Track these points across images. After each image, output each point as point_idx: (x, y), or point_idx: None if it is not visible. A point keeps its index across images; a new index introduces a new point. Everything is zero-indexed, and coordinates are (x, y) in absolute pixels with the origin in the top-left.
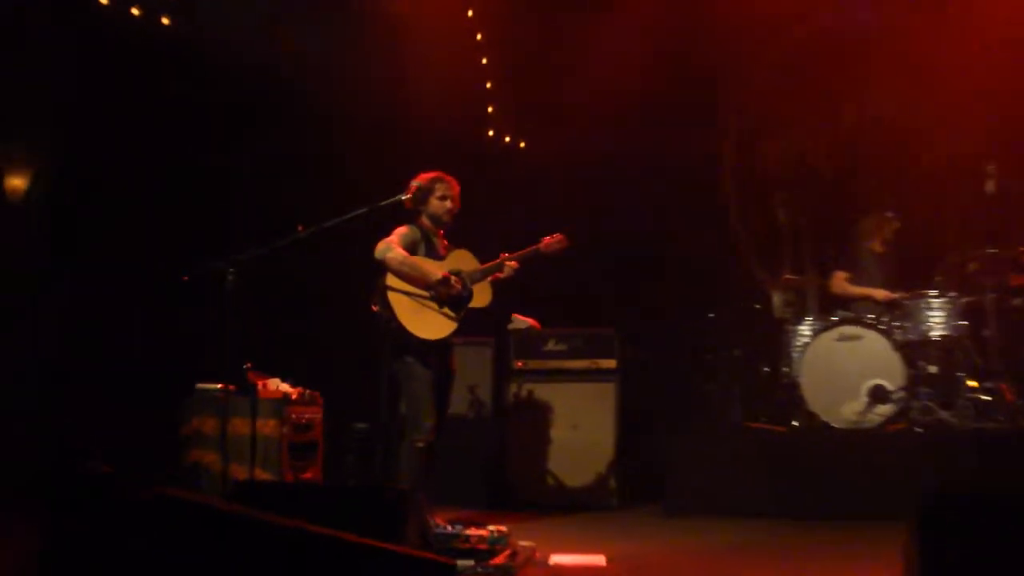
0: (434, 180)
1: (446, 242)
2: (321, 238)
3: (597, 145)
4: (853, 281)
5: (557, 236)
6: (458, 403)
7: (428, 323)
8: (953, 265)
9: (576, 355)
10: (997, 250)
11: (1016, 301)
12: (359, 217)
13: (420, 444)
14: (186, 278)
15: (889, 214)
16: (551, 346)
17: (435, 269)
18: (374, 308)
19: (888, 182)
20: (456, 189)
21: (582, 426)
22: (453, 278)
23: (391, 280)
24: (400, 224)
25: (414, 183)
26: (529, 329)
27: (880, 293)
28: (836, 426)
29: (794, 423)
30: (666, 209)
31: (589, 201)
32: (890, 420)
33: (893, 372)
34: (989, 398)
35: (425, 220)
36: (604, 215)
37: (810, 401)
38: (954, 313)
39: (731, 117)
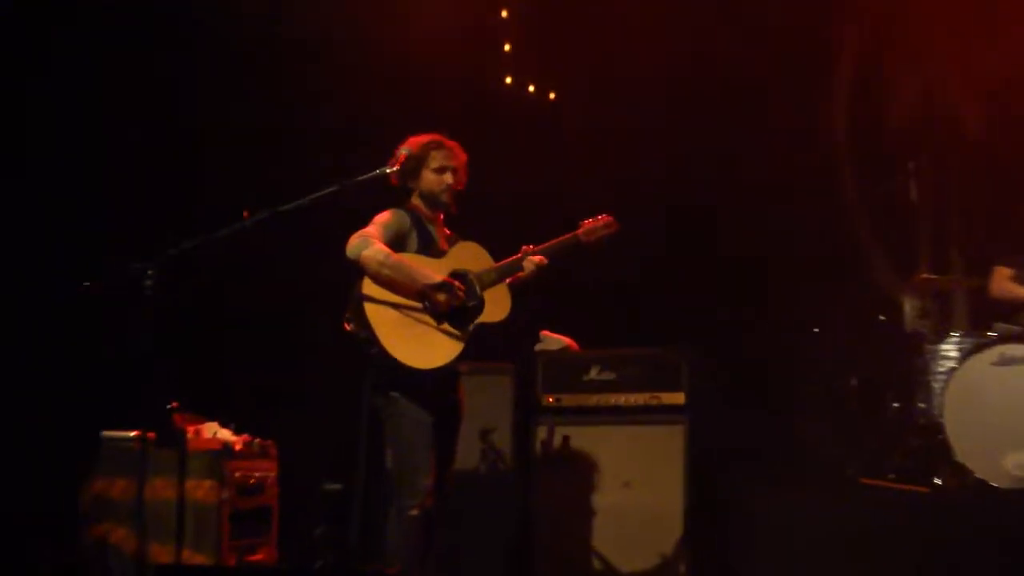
0: (429, 146)
1: (447, 231)
2: (275, 228)
3: (655, 98)
4: (1020, 280)
5: (602, 218)
6: (467, 454)
7: (422, 346)
8: None
9: (629, 387)
10: None
11: None
12: (326, 199)
13: (414, 512)
14: (88, 286)
15: None
16: (594, 374)
17: (431, 270)
18: (347, 326)
19: None
20: (461, 158)
21: (638, 485)
22: (456, 283)
23: (370, 287)
24: (384, 208)
25: (401, 150)
26: (563, 351)
27: None
28: (997, 485)
29: (936, 481)
30: (750, 185)
31: (645, 173)
32: None
33: None
34: None
35: (418, 201)
36: (665, 192)
37: (959, 449)
38: None
39: (846, 36)
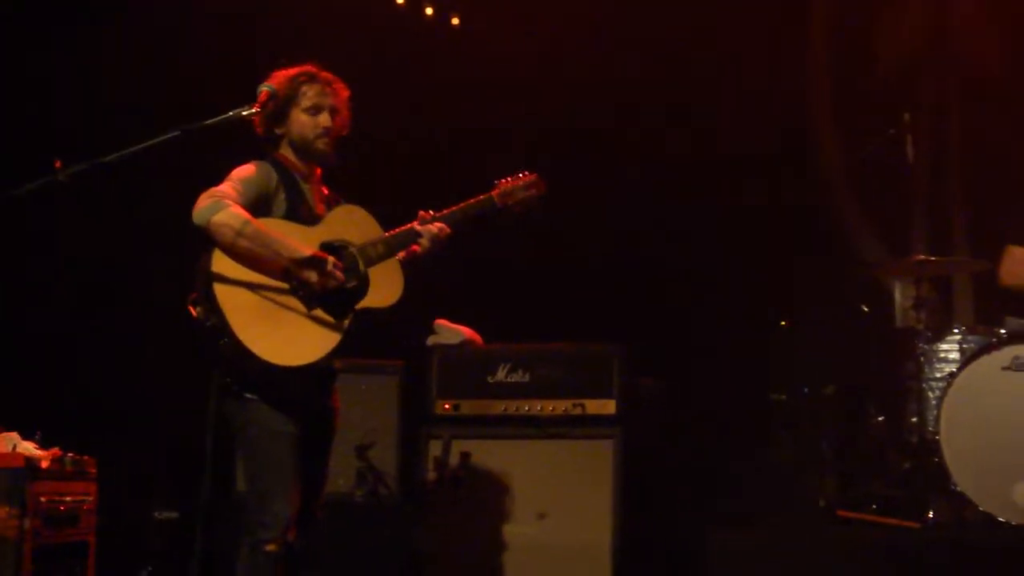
0: (298, 80)
1: (325, 191)
2: (97, 185)
3: (591, 27)
4: None
5: (523, 176)
6: (342, 474)
7: (288, 337)
8: None
9: (546, 392)
10: None
11: None
12: (165, 148)
13: (271, 547)
14: None
15: None
16: (502, 376)
17: (302, 241)
18: (192, 311)
19: None
20: (342, 96)
21: (556, 514)
22: (332, 258)
23: (222, 263)
24: (244, 161)
25: (264, 87)
26: (464, 346)
27: None
28: (1005, 520)
29: (929, 514)
30: (708, 142)
31: (575, 121)
32: None
33: None
34: None
35: (287, 152)
36: (601, 146)
37: (959, 475)
38: None
39: None
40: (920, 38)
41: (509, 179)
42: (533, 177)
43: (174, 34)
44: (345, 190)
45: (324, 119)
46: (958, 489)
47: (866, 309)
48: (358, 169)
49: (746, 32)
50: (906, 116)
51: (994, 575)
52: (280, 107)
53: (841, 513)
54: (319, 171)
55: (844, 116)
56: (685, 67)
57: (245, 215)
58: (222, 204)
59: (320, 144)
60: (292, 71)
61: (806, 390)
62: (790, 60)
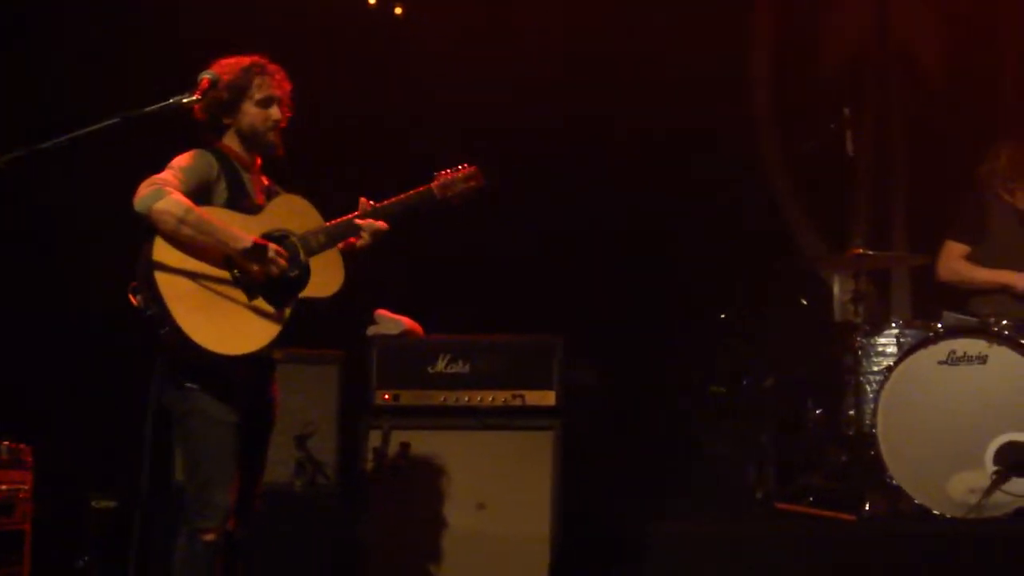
0: (251, 72)
1: (266, 180)
2: (35, 172)
3: (532, 24)
4: (977, 259)
5: (463, 168)
6: (281, 464)
7: (229, 326)
8: None
9: (487, 383)
10: None
11: None
12: (103, 135)
13: (209, 536)
14: None
15: None
16: (443, 366)
17: (243, 230)
18: (133, 299)
19: None
20: (286, 88)
21: (496, 505)
22: (275, 247)
23: (163, 251)
24: (185, 149)
25: (207, 74)
26: (404, 336)
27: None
28: (940, 512)
29: (866, 507)
30: (649, 134)
31: (521, 114)
32: None
33: None
34: None
35: (231, 142)
36: (543, 139)
37: (895, 468)
38: None
39: None
40: (862, 33)
41: (449, 171)
42: (473, 169)
43: (113, 21)
44: (284, 180)
45: (275, 112)
46: (894, 482)
47: (805, 302)
48: (298, 160)
49: (687, 24)
50: (846, 111)
51: (928, 567)
52: (231, 97)
53: (779, 505)
54: (260, 161)
55: (786, 110)
56: (624, 59)
57: (187, 203)
58: (164, 192)
59: (270, 136)
60: (243, 60)
61: (745, 383)
62: (733, 53)
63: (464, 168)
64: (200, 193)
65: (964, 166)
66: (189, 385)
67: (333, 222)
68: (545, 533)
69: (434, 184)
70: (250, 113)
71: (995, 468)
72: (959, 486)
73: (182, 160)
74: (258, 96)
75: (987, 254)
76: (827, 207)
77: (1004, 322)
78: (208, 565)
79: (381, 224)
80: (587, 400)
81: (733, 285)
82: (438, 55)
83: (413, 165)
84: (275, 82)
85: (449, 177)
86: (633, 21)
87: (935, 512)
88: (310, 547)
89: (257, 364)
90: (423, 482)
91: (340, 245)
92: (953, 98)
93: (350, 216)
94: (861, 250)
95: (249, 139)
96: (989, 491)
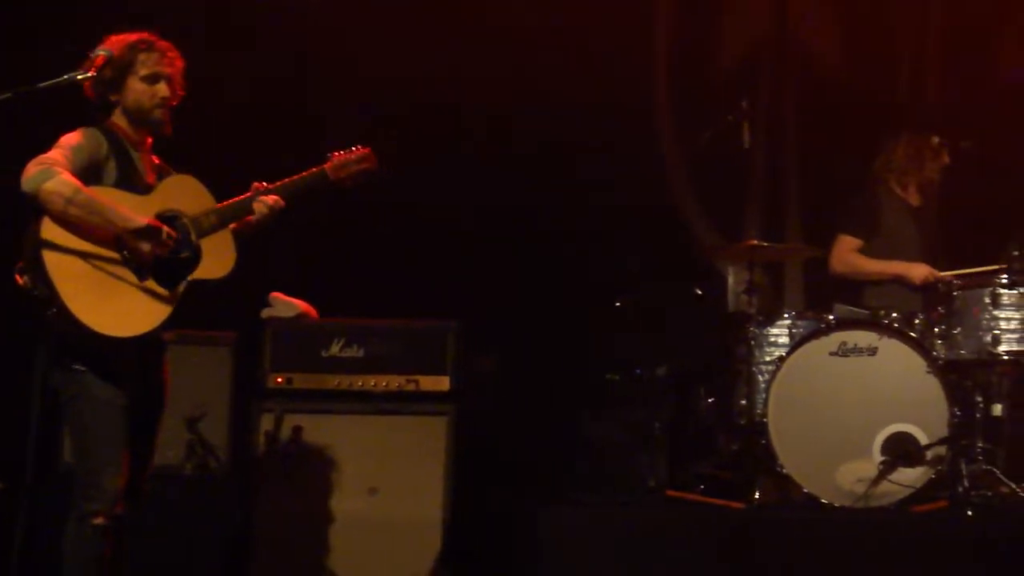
0: (137, 48)
1: (156, 160)
2: None
3: (432, 12)
4: (869, 252)
5: (356, 150)
6: (170, 447)
7: (119, 308)
8: None
9: (381, 367)
10: None
11: None
12: None
13: (98, 520)
14: None
15: (935, 139)
16: (337, 350)
17: (134, 211)
18: (20, 279)
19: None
20: (177, 65)
21: (388, 490)
22: (166, 228)
23: (51, 231)
24: (73, 128)
25: (99, 52)
26: (298, 319)
27: (918, 270)
28: (828, 501)
29: (756, 495)
30: (548, 121)
31: (415, 93)
32: (921, 494)
33: (928, 411)
34: None
35: (120, 120)
36: (443, 123)
37: (785, 457)
38: None
39: None
40: (761, 26)
41: (342, 152)
42: (366, 151)
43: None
44: (175, 159)
45: (162, 88)
46: (784, 471)
47: (699, 292)
48: (190, 139)
49: (588, 12)
50: (744, 103)
51: (816, 555)
52: (117, 74)
53: (670, 493)
54: (150, 140)
55: (684, 101)
56: (524, 45)
57: (76, 183)
58: (52, 172)
59: (157, 114)
60: (130, 37)
61: (639, 371)
62: (632, 43)
63: (357, 150)
64: (89, 172)
65: (858, 160)
66: (77, 367)
67: (225, 203)
68: (437, 518)
69: (327, 165)
70: (136, 89)
71: (883, 458)
72: (847, 475)
73: (70, 139)
74: (144, 72)
75: (880, 247)
76: (723, 198)
77: (894, 315)
78: (97, 549)
79: (278, 199)
80: (481, 386)
81: (628, 274)
82: (332, 34)
83: (307, 147)
84: (164, 59)
85: (342, 159)
86: (532, 5)
87: (824, 501)
88: (200, 530)
89: (147, 346)
90: (315, 466)
91: (233, 226)
92: (848, 93)
93: (242, 197)
94: (756, 242)
95: (135, 116)
96: (876, 481)
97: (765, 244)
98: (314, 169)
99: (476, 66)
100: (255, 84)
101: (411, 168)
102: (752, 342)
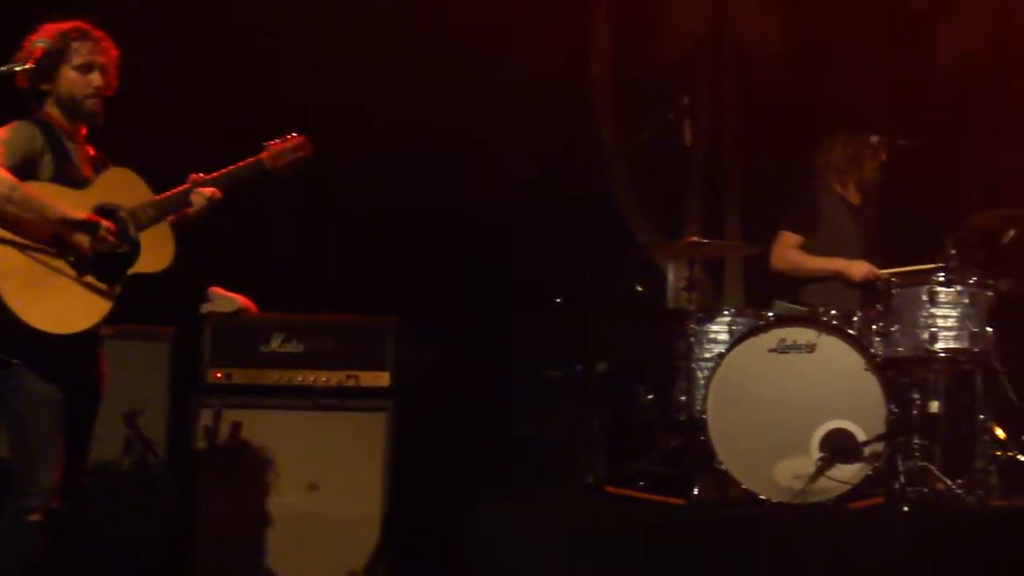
0: (69, 36)
1: (92, 151)
2: None
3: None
4: (809, 249)
5: (291, 138)
6: (107, 442)
7: (58, 303)
8: (978, 229)
9: (321, 363)
10: None
11: None
12: None
13: (34, 516)
14: None
15: (873, 138)
16: (276, 345)
17: (71, 205)
18: None
19: (883, 81)
20: (111, 54)
21: (328, 485)
22: (104, 222)
23: None
24: (6, 121)
25: (40, 43)
26: (238, 314)
27: (858, 267)
28: (766, 497)
29: (695, 491)
30: (487, 116)
31: (358, 91)
32: (859, 490)
33: (866, 408)
34: None
35: (53, 111)
36: (382, 117)
37: (724, 454)
38: (975, 310)
39: None
40: (702, 23)
41: (278, 141)
42: (301, 139)
43: None
44: (112, 151)
45: (95, 78)
46: (723, 467)
47: (640, 289)
48: (126, 131)
49: (528, 6)
50: (685, 100)
51: (754, 551)
52: (50, 62)
53: (609, 489)
54: (84, 130)
55: (625, 98)
56: (463, 44)
57: (12, 180)
58: None
59: (89, 104)
60: (64, 26)
61: (579, 367)
62: (574, 37)
63: (293, 138)
64: (25, 167)
65: (798, 158)
66: (15, 363)
67: (162, 195)
68: (376, 514)
69: (264, 155)
70: (68, 78)
71: (820, 455)
72: (786, 472)
73: (4, 133)
74: (77, 61)
75: (819, 244)
76: (663, 195)
77: (833, 312)
78: (33, 545)
79: (216, 190)
80: (421, 382)
81: (568, 270)
82: (264, 25)
83: (243, 139)
84: (97, 48)
85: (278, 147)
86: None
87: (762, 497)
88: (137, 525)
89: (84, 341)
90: (255, 462)
91: (171, 219)
92: (788, 91)
93: (179, 189)
94: (696, 238)
95: (68, 106)
96: (814, 477)
97: (705, 241)
98: (251, 159)
99: (415, 61)
100: (191, 76)
101: (352, 164)
102: (692, 338)
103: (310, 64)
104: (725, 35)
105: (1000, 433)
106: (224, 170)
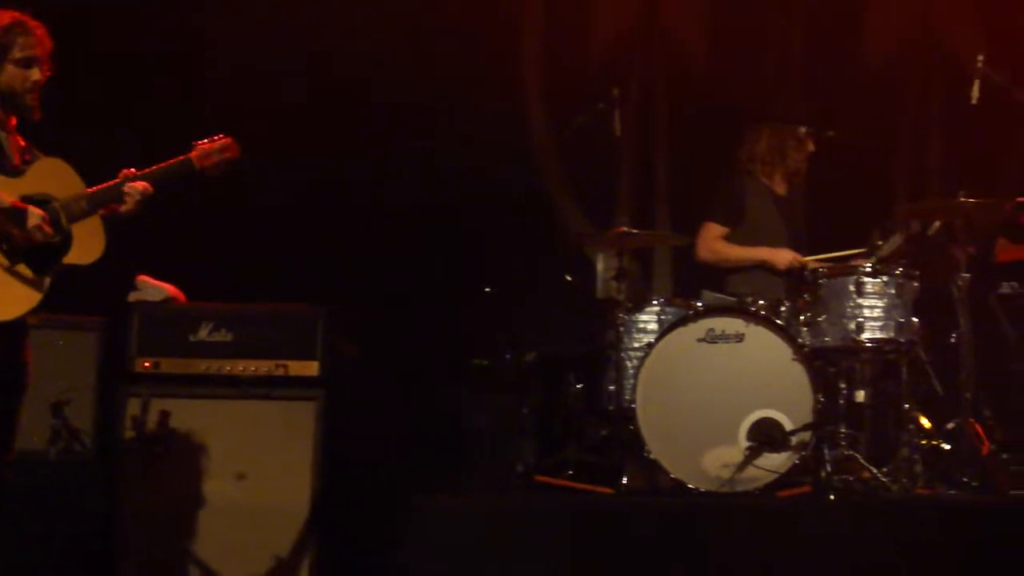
0: (13, 31)
1: (21, 141)
2: None
3: None
4: (735, 240)
5: (218, 139)
6: (33, 431)
7: None
8: (904, 220)
9: (249, 352)
10: (978, 199)
11: (1006, 286)
12: None
13: None
14: None
15: (801, 129)
16: (205, 335)
17: (2, 193)
18: None
19: (804, 73)
20: (47, 47)
21: (256, 475)
22: (36, 211)
23: None
24: None
25: None
26: (166, 303)
27: (782, 256)
28: (694, 486)
29: (624, 480)
30: (417, 107)
31: (288, 83)
32: (786, 479)
33: (793, 398)
34: (949, 446)
35: None
36: (315, 108)
37: (653, 443)
38: (901, 301)
39: None
40: (632, 14)
41: (207, 141)
42: (228, 140)
43: None
44: (42, 143)
45: (35, 73)
46: (652, 456)
47: (569, 279)
48: (57, 123)
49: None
50: (615, 91)
51: (683, 540)
52: None
53: (538, 478)
54: (14, 120)
55: (555, 88)
56: (396, 31)
57: None
58: None
59: (28, 98)
60: (4, 19)
61: (508, 356)
62: (505, 28)
63: (220, 139)
64: None
65: (726, 150)
66: None
67: (95, 188)
68: (305, 504)
69: (193, 154)
70: (10, 74)
71: (748, 444)
72: (714, 461)
73: None
74: (19, 56)
75: (745, 235)
76: (593, 185)
77: (761, 302)
78: None
79: (147, 186)
80: (350, 371)
81: (498, 259)
82: (194, 15)
83: (177, 132)
84: (36, 41)
85: (206, 148)
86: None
87: (690, 486)
88: (64, 516)
89: (11, 329)
90: (183, 451)
91: (102, 212)
92: (716, 82)
93: (112, 183)
94: (625, 229)
95: (7, 99)
96: (742, 466)
97: (634, 231)
98: (180, 157)
99: (342, 55)
100: (118, 65)
101: (281, 153)
102: (621, 328)
103: (234, 59)
104: (654, 27)
105: (925, 422)
106: (154, 167)
